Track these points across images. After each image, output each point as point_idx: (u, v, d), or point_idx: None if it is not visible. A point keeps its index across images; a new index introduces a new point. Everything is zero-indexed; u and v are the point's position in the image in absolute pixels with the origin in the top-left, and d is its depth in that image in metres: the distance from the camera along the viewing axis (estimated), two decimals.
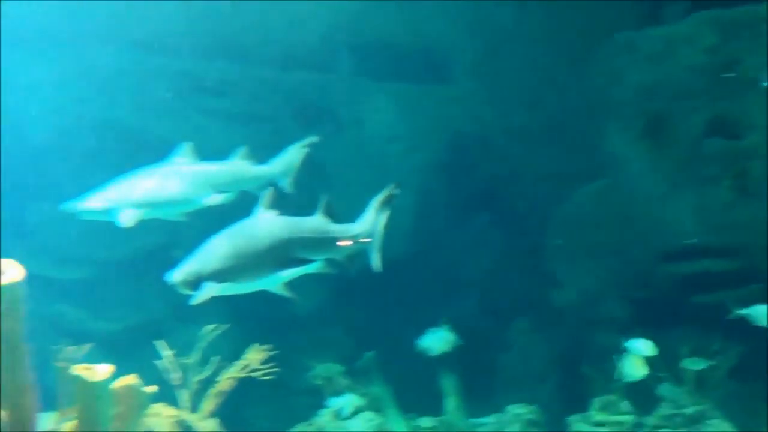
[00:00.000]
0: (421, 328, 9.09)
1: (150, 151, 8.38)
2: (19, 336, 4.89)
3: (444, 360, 9.03)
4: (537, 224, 10.40)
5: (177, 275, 5.54)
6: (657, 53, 9.51)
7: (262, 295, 10.01)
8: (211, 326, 7.58)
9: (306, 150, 7.66)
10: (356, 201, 10.29)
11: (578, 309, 10.01)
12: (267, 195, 6.06)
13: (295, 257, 5.72)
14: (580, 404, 8.92)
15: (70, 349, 6.36)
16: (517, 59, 10.41)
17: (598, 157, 9.97)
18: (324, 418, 8.56)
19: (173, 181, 7.28)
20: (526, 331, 10.28)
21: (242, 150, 7.55)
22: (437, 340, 8.79)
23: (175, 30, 9.78)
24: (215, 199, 7.33)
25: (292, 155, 7.67)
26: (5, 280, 4.70)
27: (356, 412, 8.55)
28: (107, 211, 7.30)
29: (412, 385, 9.27)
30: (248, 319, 9.21)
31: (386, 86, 10.59)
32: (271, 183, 7.33)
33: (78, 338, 7.01)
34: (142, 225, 7.67)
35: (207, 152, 9.67)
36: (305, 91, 10.49)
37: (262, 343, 8.08)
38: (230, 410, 7.96)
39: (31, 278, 4.66)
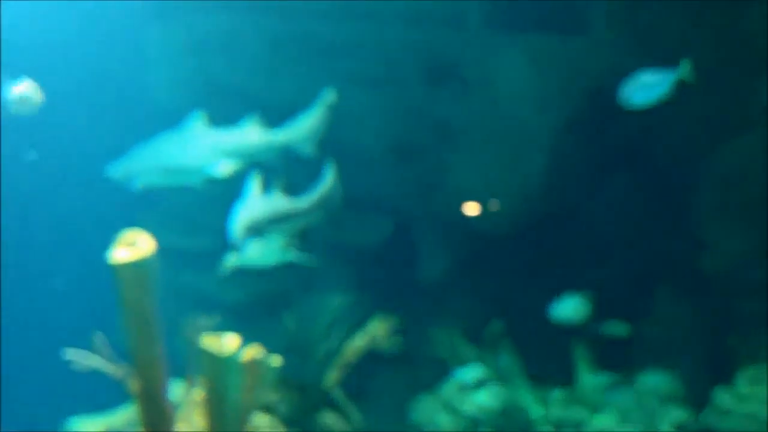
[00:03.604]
0: (553, 296, 8.84)
1: (275, 115, 8.53)
2: (150, 308, 5.08)
3: (578, 329, 8.75)
4: (683, 183, 9.78)
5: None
6: None
7: (388, 264, 10.15)
8: (338, 297, 7.63)
9: (327, 112, 7.51)
10: (484, 162, 10.18)
11: (727, 274, 9.37)
12: (256, 176, 6.38)
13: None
14: (725, 376, 8.42)
15: (200, 320, 6.56)
16: (662, 6, 9.72)
17: (752, 109, 9.25)
18: (449, 388, 8.49)
19: (186, 149, 7.40)
20: (669, 299, 9.76)
21: (255, 117, 7.52)
22: (571, 309, 8.52)
23: None
24: (228, 166, 7.37)
25: (310, 119, 7.53)
26: (137, 254, 4.84)
27: (483, 383, 8.41)
28: (128, 178, 7.53)
29: (543, 356, 9.05)
30: (373, 288, 9.23)
31: (518, 39, 10.17)
32: (288, 149, 7.31)
33: (205, 308, 7.22)
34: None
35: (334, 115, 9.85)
36: (433, 49, 10.25)
37: (387, 313, 8.13)
38: (355, 379, 8.07)
39: (161, 248, 4.74)
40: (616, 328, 8.79)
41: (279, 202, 6.32)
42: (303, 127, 7.52)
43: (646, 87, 6.27)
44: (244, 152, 7.46)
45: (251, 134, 7.49)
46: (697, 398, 8.49)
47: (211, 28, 10.06)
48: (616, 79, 10.01)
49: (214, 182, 7.60)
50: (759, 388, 8.03)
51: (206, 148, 7.44)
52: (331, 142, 10.09)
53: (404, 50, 10.11)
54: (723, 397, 8.15)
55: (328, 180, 6.22)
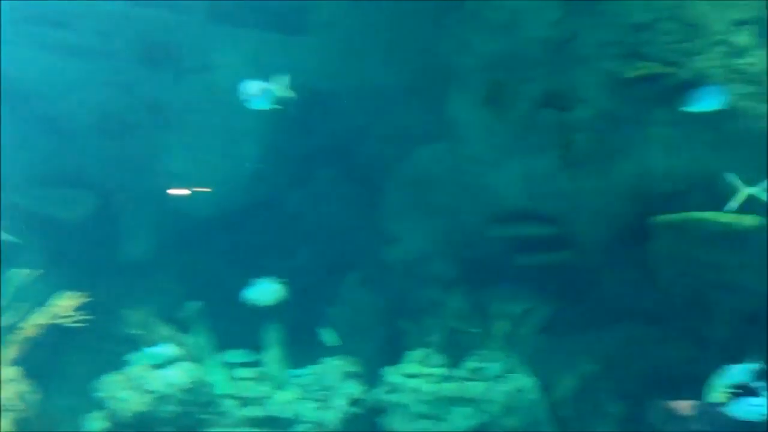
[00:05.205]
0: (252, 279, 9.16)
1: None
2: None
3: (272, 311, 9.12)
4: (377, 182, 10.58)
5: None
6: (503, 23, 9.70)
7: (86, 240, 9.91)
8: (26, 271, 7.31)
9: None
10: (199, 148, 10.28)
11: (408, 265, 10.29)
12: None
13: None
14: (397, 356, 9.25)
15: None
16: (373, 18, 10.42)
17: (442, 120, 10.11)
18: (138, 367, 8.48)
19: None
20: (357, 286, 10.51)
21: None
22: (264, 292, 8.83)
23: None
24: None
25: None
26: None
27: (173, 361, 8.50)
28: None
29: (238, 336, 9.36)
30: (68, 263, 8.96)
31: (238, 33, 10.40)
32: None
33: None
34: None
35: (40, 86, 9.40)
36: (154, 29, 10.10)
37: (83, 290, 7.94)
38: (44, 357, 7.77)
39: None
40: (328, 337, 9.24)
41: None
42: None
43: (257, 93, 7.05)
44: None
45: None
46: (372, 376, 9.26)
47: None
48: (328, 80, 10.71)
49: None
50: (424, 367, 8.97)
51: None
52: (36, 112, 9.71)
53: (123, 26, 9.90)
54: (392, 375, 8.98)
55: None
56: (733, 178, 6.15)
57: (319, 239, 10.79)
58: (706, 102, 7.55)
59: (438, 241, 10.19)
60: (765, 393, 5.53)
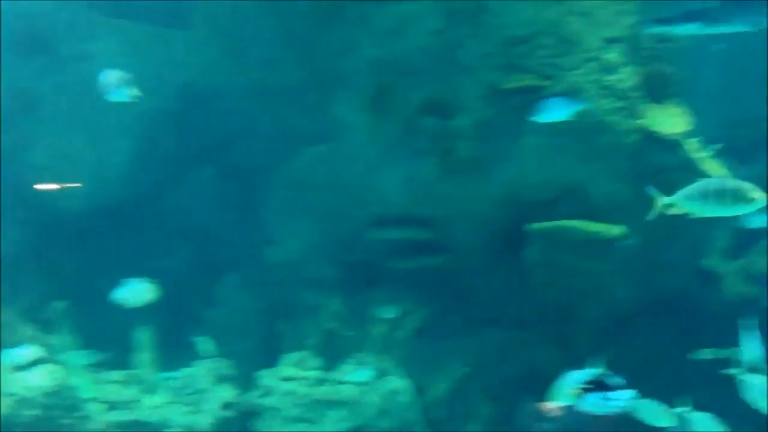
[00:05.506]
0: (122, 279, 8.86)
1: None
2: None
3: (143, 312, 8.86)
4: (259, 182, 10.47)
5: None
6: (388, 29, 9.77)
7: None
8: None
9: None
10: (70, 141, 9.89)
11: (288, 267, 10.23)
12: None
13: None
14: (276, 359, 9.18)
15: None
16: (259, 16, 10.31)
17: (326, 122, 10.11)
18: None
19: None
20: (236, 287, 10.37)
21: None
22: (135, 292, 8.55)
23: None
24: None
25: None
26: None
27: (35, 363, 8.15)
28: None
29: (106, 338, 9.06)
30: None
31: (117, 23, 10.07)
32: None
33: None
34: None
35: None
36: (23, 17, 9.71)
37: None
38: None
39: None
40: (203, 345, 9.05)
41: None
42: None
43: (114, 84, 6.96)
44: None
45: None
46: (247, 379, 9.15)
47: None
48: (210, 77, 10.51)
49: None
50: (300, 370, 8.95)
51: None
52: None
53: None
54: (267, 378, 8.92)
55: None
56: (651, 189, 6.43)
57: (196, 239, 10.57)
58: (556, 112, 7.87)
59: (318, 243, 10.17)
60: (620, 387, 5.75)
